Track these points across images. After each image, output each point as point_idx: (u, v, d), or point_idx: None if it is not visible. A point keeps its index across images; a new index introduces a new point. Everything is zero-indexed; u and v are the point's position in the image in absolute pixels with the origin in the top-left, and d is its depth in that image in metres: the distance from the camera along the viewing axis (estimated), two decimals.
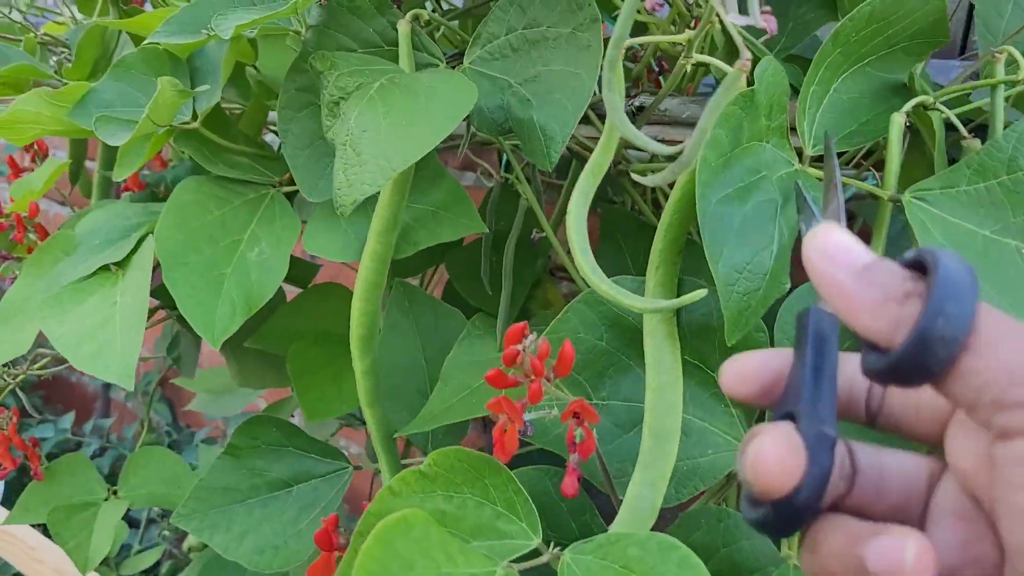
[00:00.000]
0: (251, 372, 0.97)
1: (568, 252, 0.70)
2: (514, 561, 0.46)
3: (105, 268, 0.71)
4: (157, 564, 1.49)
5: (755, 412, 0.55)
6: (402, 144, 0.52)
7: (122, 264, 0.71)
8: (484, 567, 0.44)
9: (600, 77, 0.56)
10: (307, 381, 0.77)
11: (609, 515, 0.54)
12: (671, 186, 0.62)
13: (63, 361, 0.90)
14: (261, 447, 0.73)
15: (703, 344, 0.55)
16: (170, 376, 1.99)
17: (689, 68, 0.58)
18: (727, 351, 0.54)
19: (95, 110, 0.68)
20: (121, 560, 1.45)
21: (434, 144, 0.51)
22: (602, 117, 0.72)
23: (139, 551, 1.55)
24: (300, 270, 0.94)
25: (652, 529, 0.51)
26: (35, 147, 1.01)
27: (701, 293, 0.46)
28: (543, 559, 0.47)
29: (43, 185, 0.93)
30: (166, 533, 1.54)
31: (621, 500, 0.54)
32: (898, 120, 0.56)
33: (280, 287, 0.95)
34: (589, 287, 0.56)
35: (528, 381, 0.43)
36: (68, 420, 1.83)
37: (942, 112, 0.57)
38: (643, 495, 0.51)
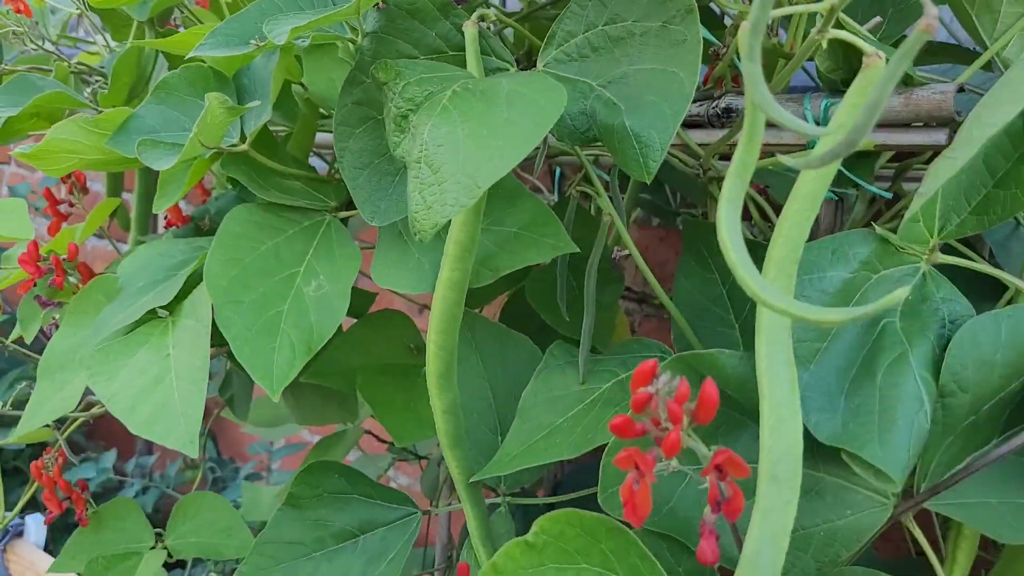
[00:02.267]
0: (310, 409, 0.91)
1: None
2: None
3: (153, 313, 0.66)
4: None
5: None
6: (485, 158, 0.45)
7: (171, 308, 0.66)
8: None
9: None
10: (385, 407, 0.71)
11: None
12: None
13: None
14: (324, 496, 0.67)
15: None
16: (211, 407, 1.95)
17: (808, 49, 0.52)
18: None
19: (137, 136, 0.63)
20: None
21: (523, 156, 0.45)
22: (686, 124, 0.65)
23: None
24: (355, 299, 0.89)
25: None
26: (72, 178, 0.96)
27: (903, 293, 0.38)
28: None
29: (87, 229, 0.89)
30: (213, 574, 1.48)
31: None
32: None
33: None
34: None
35: (659, 430, 0.36)
36: (110, 459, 1.78)
37: None
38: (762, 553, 0.43)
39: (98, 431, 2.11)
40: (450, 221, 0.55)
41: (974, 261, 0.54)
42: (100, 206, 0.87)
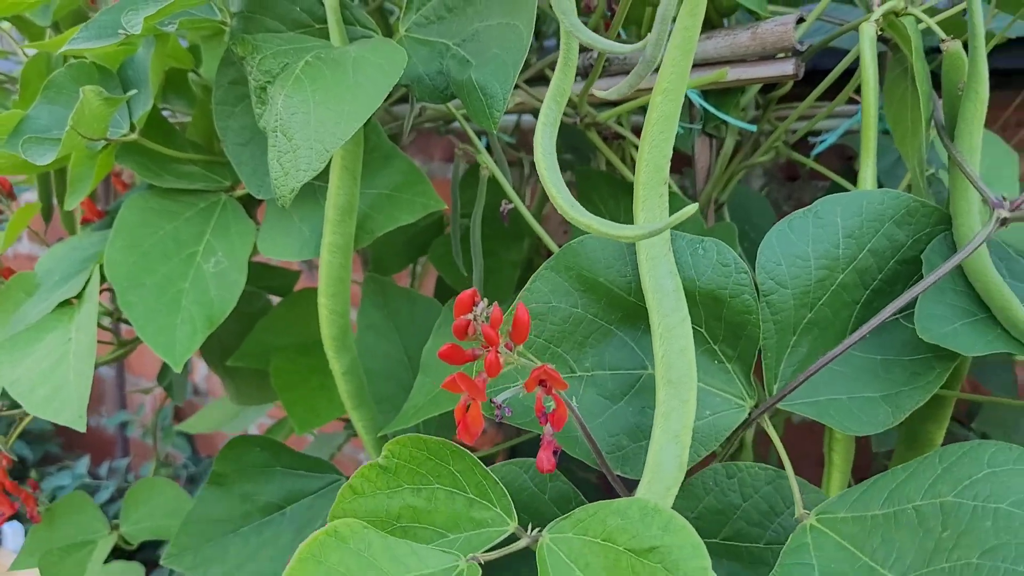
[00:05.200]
0: (247, 389, 0.93)
1: (541, 224, 0.65)
2: (492, 549, 0.42)
3: (66, 303, 0.68)
4: None
5: (751, 366, 0.51)
6: (334, 122, 0.48)
7: (80, 297, 0.68)
8: (442, 564, 0.40)
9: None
10: (294, 393, 0.74)
11: None
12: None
13: None
14: (248, 470, 0.69)
15: (692, 303, 0.50)
16: (187, 411, 1.97)
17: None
18: (710, 305, 0.50)
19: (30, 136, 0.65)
20: None
21: (366, 117, 0.47)
22: None
23: None
24: (280, 279, 0.91)
25: None
26: None
27: (692, 208, 0.41)
28: (522, 543, 0.43)
29: (9, 236, 0.90)
30: None
31: (618, 477, 0.50)
32: (869, 31, 0.52)
33: (266, 298, 0.92)
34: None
35: (486, 352, 0.39)
36: (84, 465, 1.81)
37: (915, 17, 0.53)
38: (667, 450, 0.46)
39: (75, 442, 2.14)
40: (327, 186, 0.58)
41: None
42: (22, 210, 0.88)
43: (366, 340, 0.71)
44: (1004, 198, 0.47)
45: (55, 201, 1.13)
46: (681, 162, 0.70)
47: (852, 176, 0.71)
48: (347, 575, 0.38)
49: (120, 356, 0.85)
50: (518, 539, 0.44)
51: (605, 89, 0.64)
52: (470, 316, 0.39)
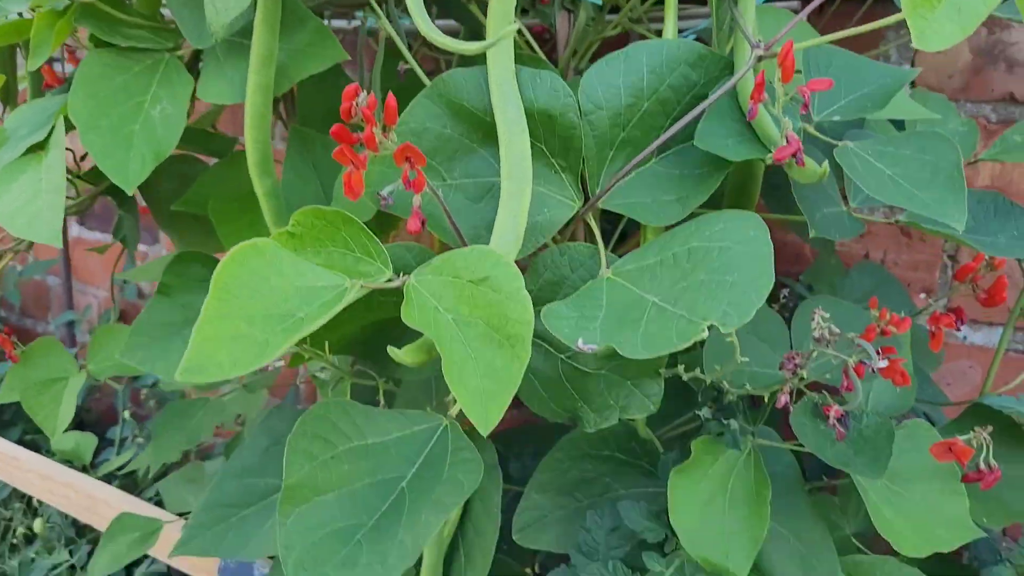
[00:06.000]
0: (190, 236, 1.06)
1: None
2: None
3: (36, 149, 0.81)
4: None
5: (579, 175, 0.67)
6: None
7: (44, 145, 0.81)
8: (334, 282, 0.55)
9: None
10: (229, 227, 0.87)
11: None
12: None
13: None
14: (190, 283, 0.83)
15: (533, 123, 0.65)
16: (131, 314, 2.09)
17: None
18: (545, 123, 0.65)
19: None
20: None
21: None
22: None
23: None
24: (219, 143, 1.04)
25: None
26: None
27: (513, 28, 0.55)
28: (396, 283, 0.58)
29: None
30: (140, 440, 1.67)
31: None
32: None
33: (205, 163, 1.06)
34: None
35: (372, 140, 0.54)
36: None
37: None
38: (508, 223, 0.62)
39: (25, 343, 2.25)
40: (251, 37, 0.71)
41: None
42: None
43: (289, 179, 0.85)
44: (760, 42, 0.63)
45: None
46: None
47: None
48: (261, 275, 0.53)
49: (78, 211, 0.98)
50: (393, 281, 0.59)
51: None
52: (352, 103, 0.53)
